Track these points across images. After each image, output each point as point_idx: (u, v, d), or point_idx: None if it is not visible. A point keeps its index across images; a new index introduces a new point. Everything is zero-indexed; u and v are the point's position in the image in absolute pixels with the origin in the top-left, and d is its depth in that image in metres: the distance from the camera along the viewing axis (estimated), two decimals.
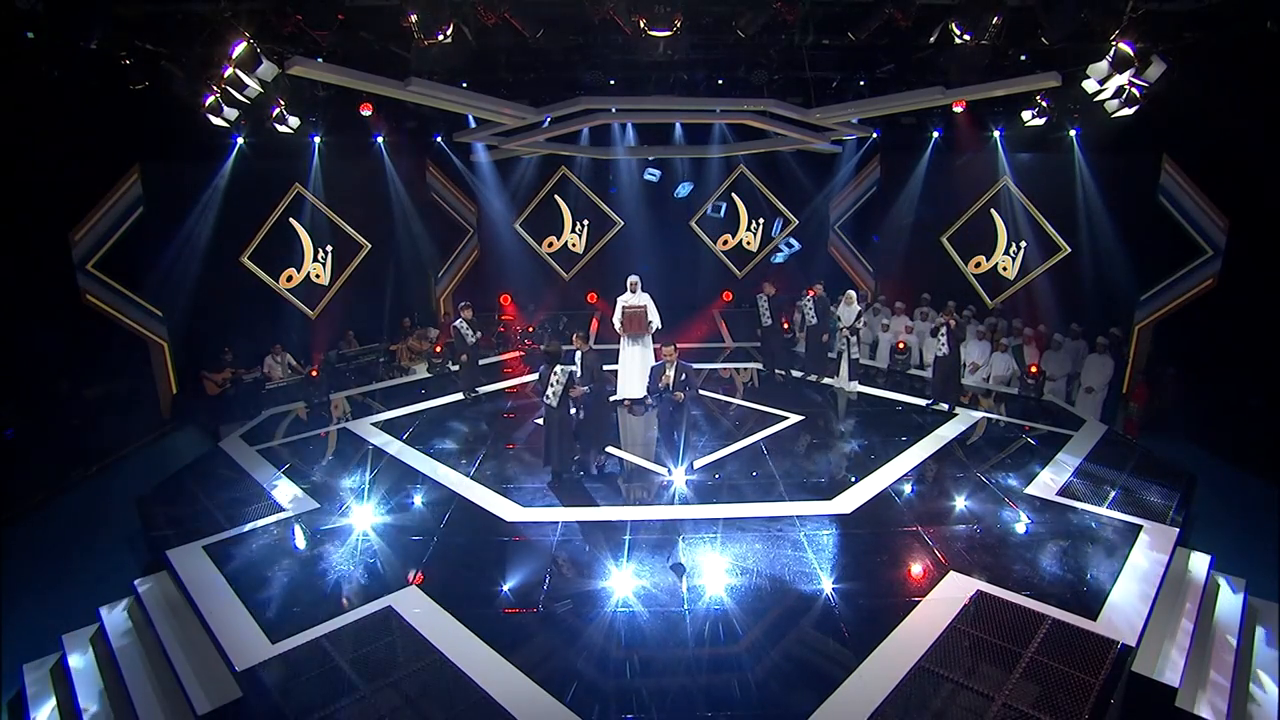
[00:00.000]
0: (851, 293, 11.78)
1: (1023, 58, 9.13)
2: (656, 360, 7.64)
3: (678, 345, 8.12)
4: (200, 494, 7.97)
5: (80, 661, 5.75)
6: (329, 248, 13.65)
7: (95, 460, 9.83)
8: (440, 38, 6.69)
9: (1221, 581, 6.32)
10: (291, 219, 13.06)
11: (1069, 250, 12.88)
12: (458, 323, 11.05)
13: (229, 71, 7.60)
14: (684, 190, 15.85)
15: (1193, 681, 5.19)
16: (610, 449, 8.84)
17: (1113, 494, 7.53)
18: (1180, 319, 11.24)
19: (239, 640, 5.42)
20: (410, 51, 7.41)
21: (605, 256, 16.33)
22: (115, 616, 6.12)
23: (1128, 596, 5.73)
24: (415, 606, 5.78)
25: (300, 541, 6.97)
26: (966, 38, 7.01)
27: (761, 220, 16.48)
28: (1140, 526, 6.81)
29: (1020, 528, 6.96)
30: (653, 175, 15.74)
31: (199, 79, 7.76)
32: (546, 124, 11.66)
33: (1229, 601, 6.10)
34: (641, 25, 6.84)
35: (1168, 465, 8.30)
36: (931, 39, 8.02)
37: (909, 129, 13.79)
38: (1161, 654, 5.30)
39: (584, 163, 15.79)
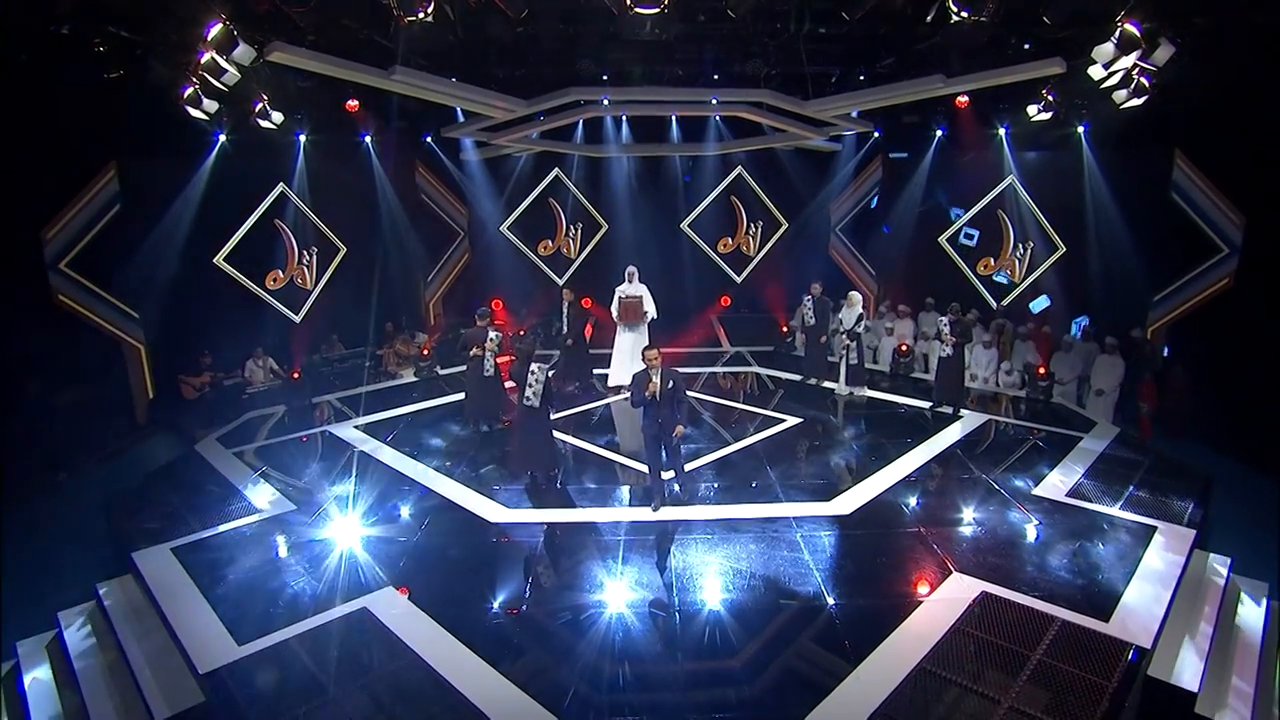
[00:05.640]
0: (854, 294, 11.42)
1: (1025, 46, 9.10)
2: (642, 363, 7.17)
3: (661, 350, 7.28)
4: (171, 496, 7.87)
5: (34, 668, 5.60)
6: (314, 249, 13.58)
7: (65, 466, 9.70)
8: (421, 15, 6.65)
9: (1243, 585, 6.17)
10: (276, 220, 13.00)
11: (1064, 249, 12.88)
12: (478, 350, 9.55)
13: (206, 57, 7.56)
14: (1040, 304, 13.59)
15: (1214, 687, 5.05)
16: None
17: (1125, 495, 7.41)
18: (1196, 319, 11.12)
19: (203, 643, 5.30)
20: (391, 33, 7.36)
21: (600, 261, 16.27)
22: (74, 621, 5.98)
23: (1142, 598, 5.60)
24: (392, 608, 5.67)
25: (274, 543, 6.85)
26: (964, 15, 6.96)
27: (760, 223, 16.44)
28: (1155, 528, 6.69)
29: (1028, 529, 6.84)
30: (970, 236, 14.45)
31: (175, 64, 7.71)
32: (541, 118, 11.64)
33: (1251, 606, 5.95)
34: (628, 2, 6.80)
35: (1183, 467, 8.19)
36: (929, 18, 7.95)
37: (911, 127, 13.74)
38: (1179, 658, 5.16)
39: (578, 165, 15.78)
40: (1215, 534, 7.16)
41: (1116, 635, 5.14)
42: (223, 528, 7.10)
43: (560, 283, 16.46)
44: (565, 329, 12.00)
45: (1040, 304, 13.28)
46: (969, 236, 14.11)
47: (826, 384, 11.71)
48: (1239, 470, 9.01)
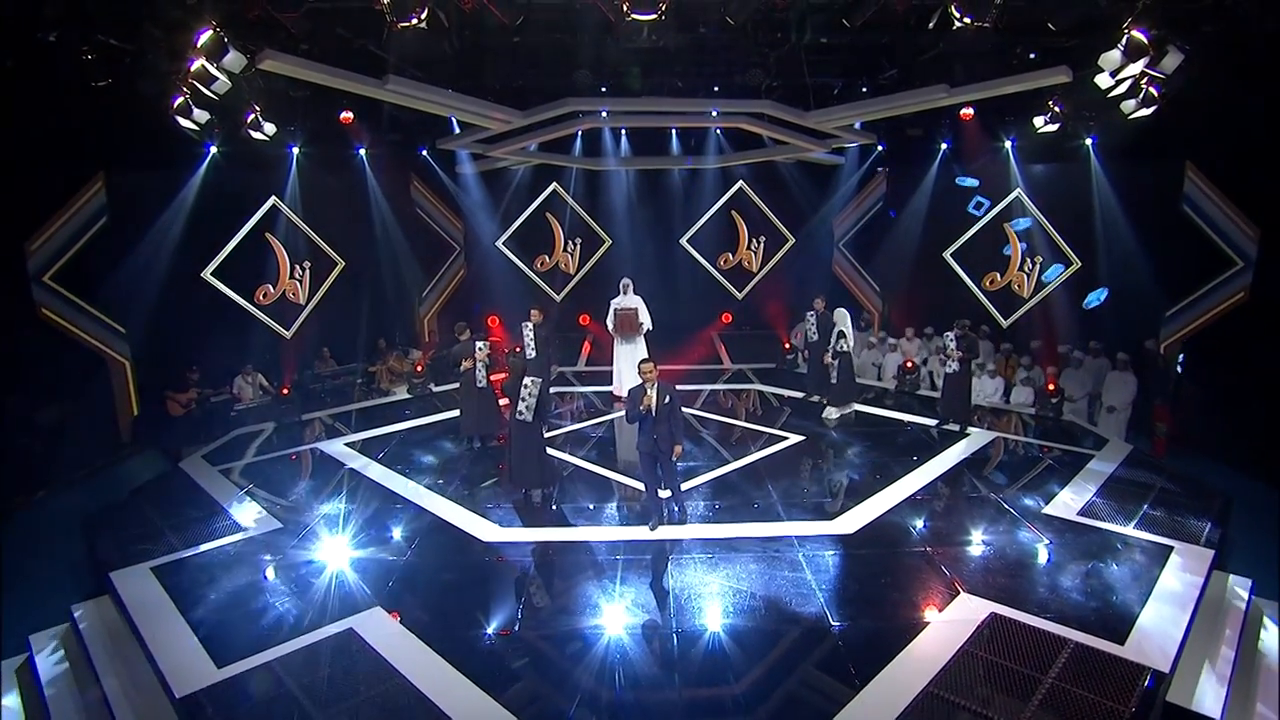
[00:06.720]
0: (839, 310, 11.15)
1: (1031, 55, 9.13)
2: (639, 377, 7.13)
3: (657, 365, 7.23)
4: (153, 514, 7.77)
5: (3, 694, 5.49)
6: (307, 264, 13.57)
7: (44, 484, 9.61)
8: (414, 21, 6.67)
9: (1265, 608, 6.06)
10: (267, 233, 13.00)
11: (1079, 264, 12.82)
12: (468, 363, 9.48)
13: (196, 64, 7.57)
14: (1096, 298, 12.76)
15: (1236, 714, 4.95)
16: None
17: (1140, 514, 7.31)
18: (1211, 334, 11.05)
19: (181, 666, 5.20)
20: (384, 40, 7.38)
21: (598, 276, 16.26)
22: (46, 644, 5.88)
23: (1159, 621, 5.50)
24: (379, 629, 5.58)
25: (258, 562, 6.74)
26: (967, 20, 6.97)
27: (763, 238, 16.45)
28: (1171, 548, 6.58)
29: (1039, 548, 6.74)
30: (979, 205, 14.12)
31: (165, 72, 7.72)
32: (535, 130, 11.68)
33: (1274, 629, 5.84)
34: (625, 8, 6.82)
35: (1200, 485, 8.09)
36: (931, 24, 7.98)
37: (915, 141, 13.76)
38: (1200, 683, 5.07)
39: (576, 179, 15.82)
40: (1235, 555, 7.05)
41: (1133, 659, 5.03)
42: (205, 547, 7.01)
43: (558, 299, 16.48)
44: (535, 352, 10.47)
45: (1096, 297, 12.57)
46: (978, 206, 13.99)
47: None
48: (1259, 489, 8.90)
